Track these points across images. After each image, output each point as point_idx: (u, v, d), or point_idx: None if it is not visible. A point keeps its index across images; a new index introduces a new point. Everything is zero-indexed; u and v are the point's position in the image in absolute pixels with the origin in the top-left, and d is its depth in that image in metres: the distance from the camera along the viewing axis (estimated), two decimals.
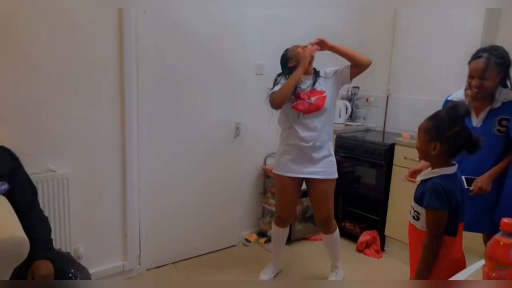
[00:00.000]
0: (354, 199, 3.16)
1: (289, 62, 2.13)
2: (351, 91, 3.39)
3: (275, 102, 2.02)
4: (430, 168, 1.46)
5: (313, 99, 2.11)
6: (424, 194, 1.40)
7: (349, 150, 3.02)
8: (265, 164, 3.00)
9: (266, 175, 2.95)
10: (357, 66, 2.16)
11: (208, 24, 2.49)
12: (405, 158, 2.73)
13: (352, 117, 3.44)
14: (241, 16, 2.63)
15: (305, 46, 2.14)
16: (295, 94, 2.05)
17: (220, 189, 2.77)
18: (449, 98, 2.02)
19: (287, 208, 2.30)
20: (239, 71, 2.71)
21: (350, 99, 3.41)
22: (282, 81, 2.08)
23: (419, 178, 1.47)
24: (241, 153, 2.84)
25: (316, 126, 2.13)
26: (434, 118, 1.42)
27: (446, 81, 2.93)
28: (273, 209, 2.80)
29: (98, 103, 2.16)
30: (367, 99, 3.49)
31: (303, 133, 2.11)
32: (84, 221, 2.21)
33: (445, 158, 1.39)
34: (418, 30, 3.15)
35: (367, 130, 3.40)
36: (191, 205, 2.65)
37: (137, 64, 2.20)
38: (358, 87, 3.42)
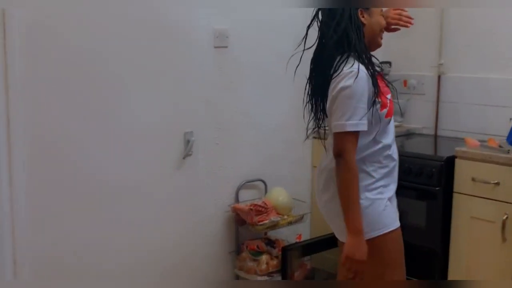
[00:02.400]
0: None
1: (362, 10, 2.07)
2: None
3: (346, 178, 2.04)
4: None
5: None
6: None
7: None
8: (237, 200, 2.95)
9: (239, 220, 2.89)
10: None
11: None
12: (473, 180, 2.65)
13: None
14: None
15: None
16: (379, 89, 2.05)
17: (161, 251, 2.71)
18: None
19: None
20: (186, 42, 2.70)
21: None
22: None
23: None
24: (194, 184, 2.82)
25: None
26: None
27: None
28: (254, 277, 2.85)
29: None
30: (405, 82, 3.46)
31: (394, 148, 2.20)
32: None
33: None
34: None
35: (408, 134, 3.38)
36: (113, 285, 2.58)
37: (4, 47, 2.19)
38: (390, 63, 3.39)
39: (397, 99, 3.23)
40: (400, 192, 2.78)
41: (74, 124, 2.40)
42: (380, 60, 3.18)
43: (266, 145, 3.00)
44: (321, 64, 2.09)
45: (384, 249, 2.12)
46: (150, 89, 2.58)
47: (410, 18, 2.22)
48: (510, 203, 2.49)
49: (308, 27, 2.12)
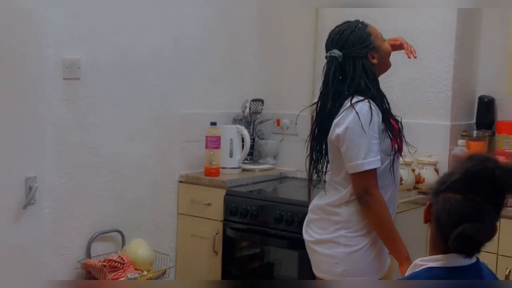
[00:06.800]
0: None
1: (371, 53, 2.19)
2: (250, 108, 3.41)
3: (379, 212, 2.15)
4: None
5: None
6: None
7: (249, 217, 2.97)
8: (89, 255, 2.86)
9: (90, 278, 2.80)
10: None
11: None
12: None
13: (254, 155, 3.48)
14: None
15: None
16: (390, 125, 2.19)
17: None
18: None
19: None
20: (30, 73, 2.64)
21: (249, 123, 3.43)
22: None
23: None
24: (37, 237, 2.70)
25: None
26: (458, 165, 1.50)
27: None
28: None
29: None
30: (278, 122, 3.55)
31: (396, 192, 2.30)
32: None
33: (441, 238, 1.45)
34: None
35: (281, 177, 3.45)
36: None
37: None
38: (262, 101, 3.48)
39: (265, 138, 3.50)
40: (271, 241, 2.95)
41: None
42: (252, 98, 3.38)
43: (125, 191, 2.88)
44: (326, 110, 2.18)
45: None
46: None
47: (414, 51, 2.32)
48: None
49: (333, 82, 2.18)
